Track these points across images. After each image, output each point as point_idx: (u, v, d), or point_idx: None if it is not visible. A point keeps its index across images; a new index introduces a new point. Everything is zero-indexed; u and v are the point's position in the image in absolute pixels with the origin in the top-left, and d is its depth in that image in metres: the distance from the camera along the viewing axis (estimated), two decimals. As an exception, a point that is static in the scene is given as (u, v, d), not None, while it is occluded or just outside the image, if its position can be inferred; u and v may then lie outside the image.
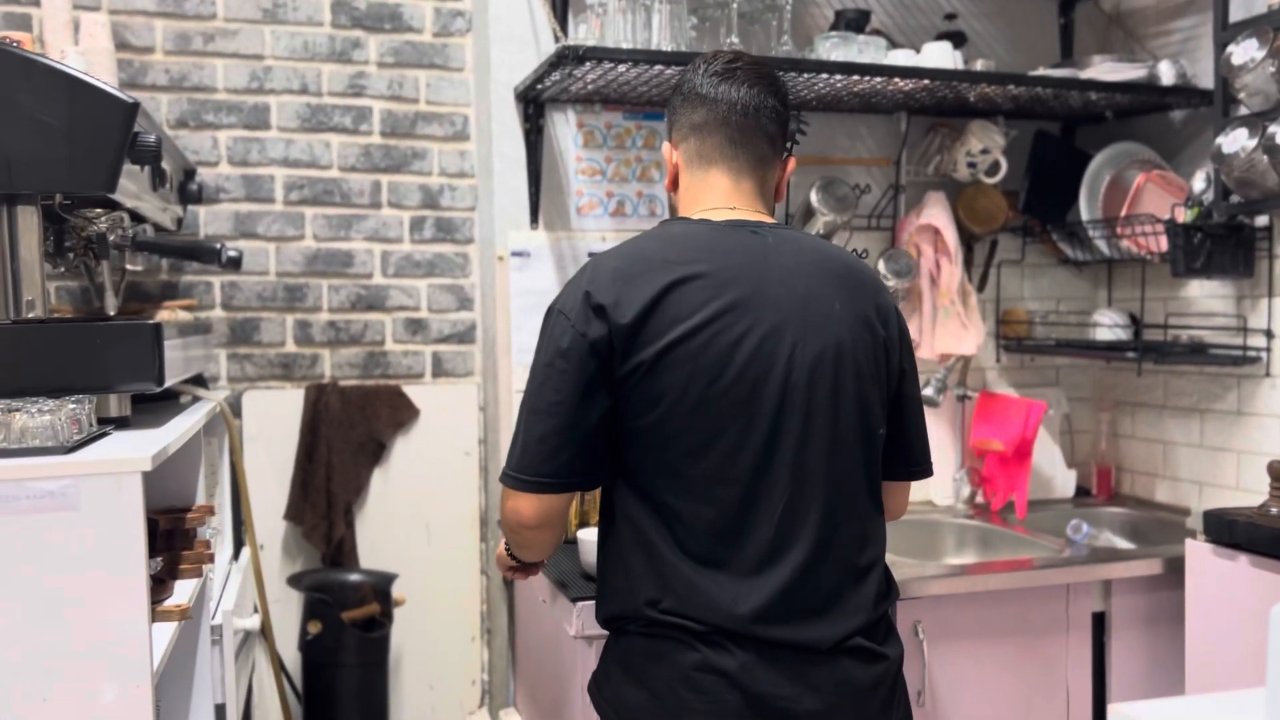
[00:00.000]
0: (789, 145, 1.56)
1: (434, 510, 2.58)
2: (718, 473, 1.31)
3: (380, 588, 2.37)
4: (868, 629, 1.36)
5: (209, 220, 2.42)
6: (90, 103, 1.52)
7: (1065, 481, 2.75)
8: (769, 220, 1.46)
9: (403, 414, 2.55)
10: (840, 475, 1.36)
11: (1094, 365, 2.82)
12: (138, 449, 1.30)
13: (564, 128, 2.42)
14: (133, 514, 1.24)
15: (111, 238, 1.75)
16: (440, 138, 2.57)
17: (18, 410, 1.31)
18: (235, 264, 1.97)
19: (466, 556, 2.60)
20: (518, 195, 2.39)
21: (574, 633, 1.77)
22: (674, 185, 1.52)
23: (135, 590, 1.25)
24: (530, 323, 2.40)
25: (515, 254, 2.40)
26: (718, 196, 1.45)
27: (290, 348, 2.50)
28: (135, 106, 1.55)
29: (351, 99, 2.50)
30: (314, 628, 2.27)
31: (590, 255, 2.41)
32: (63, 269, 2.05)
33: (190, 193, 2.21)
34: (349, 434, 2.49)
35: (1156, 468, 2.64)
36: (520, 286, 2.40)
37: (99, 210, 1.75)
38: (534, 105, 2.37)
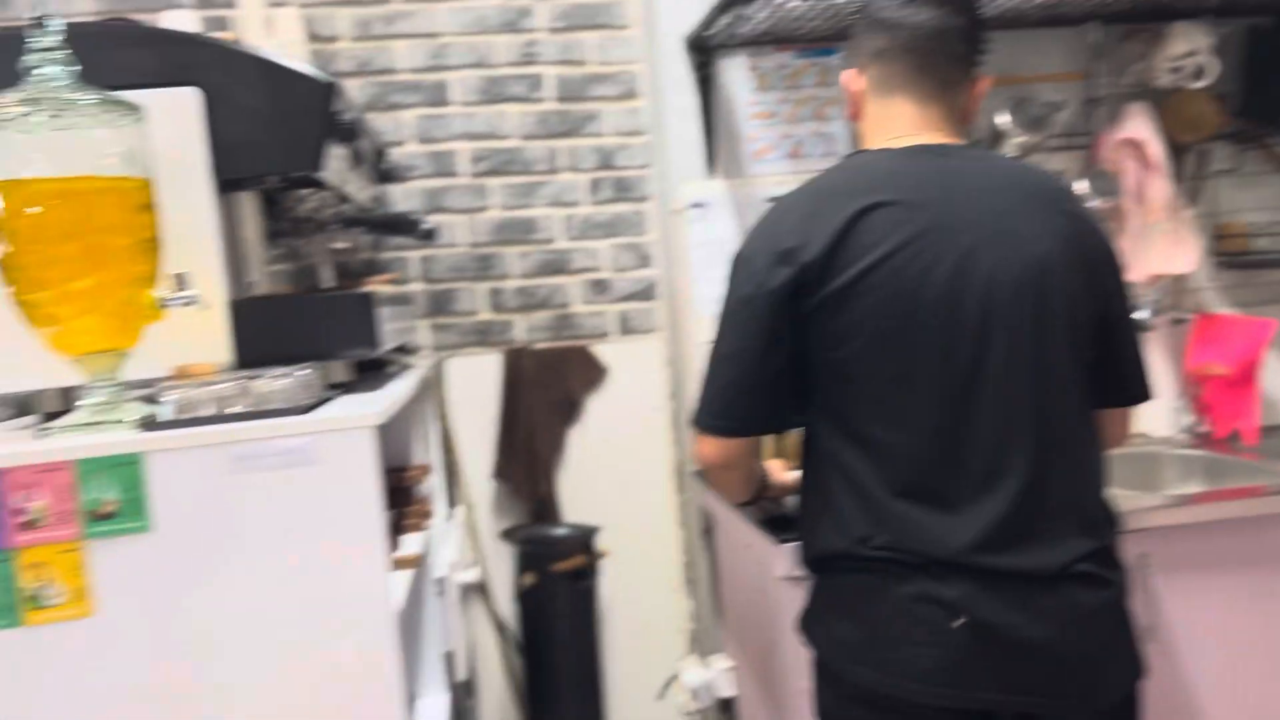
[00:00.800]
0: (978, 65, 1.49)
1: (630, 465, 2.63)
2: (923, 400, 1.28)
3: (585, 540, 2.44)
4: (1092, 555, 1.30)
5: (402, 198, 2.53)
6: (292, 86, 1.61)
7: (1298, 405, 2.54)
8: (957, 143, 1.40)
9: (593, 373, 2.61)
10: (1051, 398, 1.30)
11: (1327, 277, 2.58)
12: (367, 407, 1.38)
13: (735, 73, 2.39)
14: (368, 466, 1.32)
15: (320, 217, 1.86)
16: (612, 97, 2.59)
17: (258, 377, 1.42)
18: (430, 235, 2.06)
19: (665, 509, 2.64)
20: (692, 146, 2.39)
21: (781, 574, 1.77)
22: (856, 115, 1.49)
23: (374, 538, 1.33)
24: (712, 274, 2.40)
25: (693, 206, 2.40)
26: (903, 124, 1.40)
27: (485, 315, 2.59)
28: (331, 86, 1.64)
29: (524, 67, 2.55)
30: (528, 579, 2.36)
31: (770, 200, 2.39)
32: (275, 252, 2.19)
33: (383, 172, 2.32)
34: (545, 394, 2.56)
35: None
36: (700, 238, 2.40)
37: (307, 191, 1.86)
38: (703, 53, 2.35)
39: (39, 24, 1.37)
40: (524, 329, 2.61)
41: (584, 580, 2.41)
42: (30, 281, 1.36)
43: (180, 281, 1.44)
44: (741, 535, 2.06)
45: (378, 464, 1.33)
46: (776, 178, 2.41)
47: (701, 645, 2.61)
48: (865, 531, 1.30)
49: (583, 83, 2.58)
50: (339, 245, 2.25)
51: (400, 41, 2.50)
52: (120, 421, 1.39)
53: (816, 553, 1.38)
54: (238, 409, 1.38)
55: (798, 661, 1.84)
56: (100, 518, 1.28)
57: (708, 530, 2.52)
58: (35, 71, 1.36)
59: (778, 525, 1.84)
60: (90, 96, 1.37)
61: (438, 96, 2.52)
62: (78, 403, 1.42)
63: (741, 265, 1.37)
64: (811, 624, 1.40)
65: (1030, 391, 1.28)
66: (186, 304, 1.43)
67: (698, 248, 2.40)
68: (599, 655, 2.50)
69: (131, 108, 1.40)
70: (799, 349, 1.33)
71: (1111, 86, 2.48)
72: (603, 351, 2.61)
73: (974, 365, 1.27)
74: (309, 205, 1.85)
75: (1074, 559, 1.27)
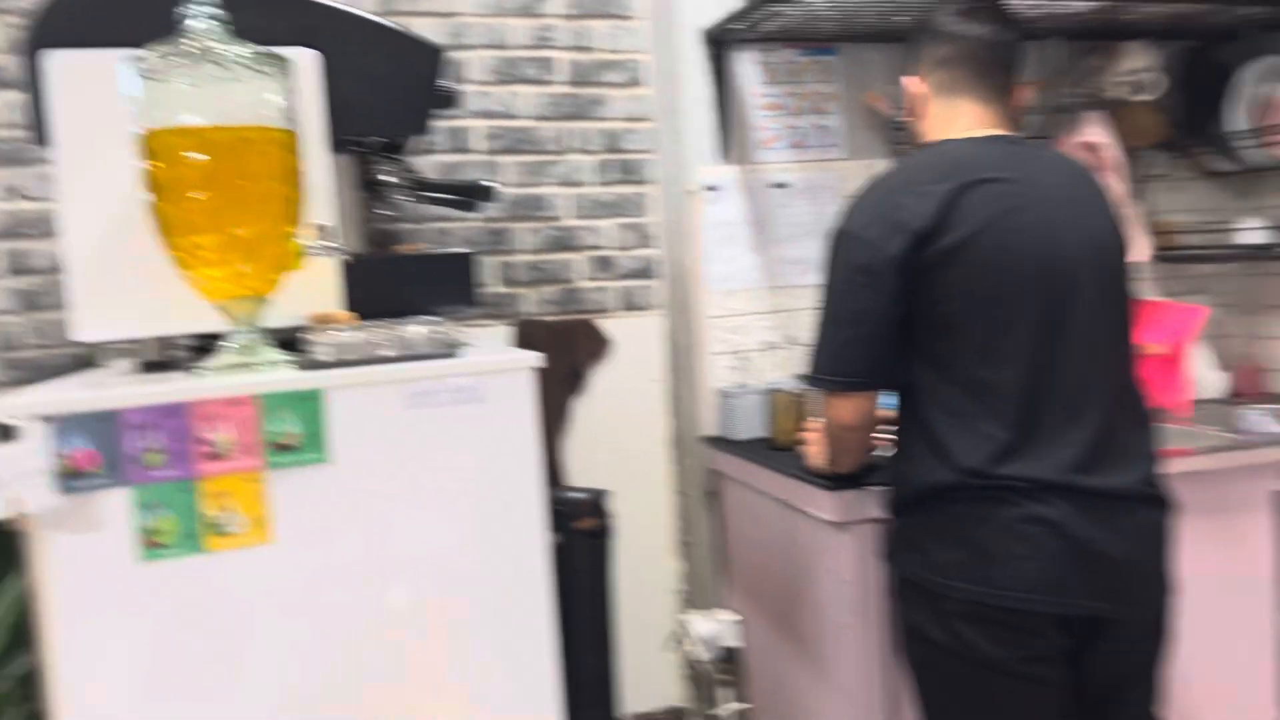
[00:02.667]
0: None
1: (628, 434, 2.76)
2: (1023, 343, 1.49)
3: (599, 503, 2.56)
4: (1154, 478, 1.54)
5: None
6: (406, 50, 1.70)
7: (1214, 382, 2.90)
8: (1020, 135, 1.65)
9: (599, 345, 2.73)
10: (1118, 342, 1.57)
11: (1240, 271, 2.96)
12: (512, 353, 1.49)
13: (746, 66, 2.57)
14: (528, 404, 1.43)
15: (395, 182, 1.93)
16: (620, 84, 2.72)
17: (403, 325, 1.50)
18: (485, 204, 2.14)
19: (660, 476, 2.79)
20: (705, 132, 2.55)
21: (828, 518, 1.95)
22: (917, 114, 1.71)
23: (533, 471, 1.44)
24: (724, 253, 2.57)
25: (707, 188, 2.56)
26: (969, 121, 1.64)
27: (497, 288, 2.68)
28: (440, 51, 1.73)
29: (537, 50, 2.65)
30: (555, 538, 2.46)
31: (775, 186, 2.58)
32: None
33: (416, 144, 2.38)
34: (553, 365, 2.67)
35: (1307, 364, 2.79)
36: (713, 219, 2.56)
37: (385, 155, 1.92)
38: (719, 45, 2.52)
39: (200, -23, 1.41)
40: (533, 303, 2.71)
41: (603, 539, 2.52)
42: (191, 226, 1.40)
43: (323, 232, 1.50)
44: (774, 490, 2.23)
45: (536, 403, 1.43)
46: (781, 165, 2.60)
47: (696, 604, 2.77)
48: (972, 463, 1.49)
49: (593, 68, 2.70)
50: (383, 212, 2.31)
51: (421, 19, 2.56)
52: (269, 363, 1.45)
53: (918, 488, 1.57)
54: (390, 353, 1.46)
55: (836, 597, 2.03)
56: (281, 449, 1.34)
57: (711, 492, 2.68)
58: (193, 25, 1.41)
59: (819, 477, 2.02)
60: (246, 50, 1.42)
61: (455, 74, 2.60)
62: (223, 345, 1.47)
63: (850, 239, 1.56)
64: (904, 551, 1.59)
65: (1106, 333, 1.54)
66: (327, 254, 1.50)
67: (711, 228, 2.56)
68: (614, 612, 2.62)
69: (284, 61, 1.46)
70: (907, 307, 1.53)
71: (1068, 96, 2.78)
72: (605, 326, 2.74)
73: (1063, 314, 1.51)
74: (384, 170, 1.92)
75: (1143, 479, 1.51)
